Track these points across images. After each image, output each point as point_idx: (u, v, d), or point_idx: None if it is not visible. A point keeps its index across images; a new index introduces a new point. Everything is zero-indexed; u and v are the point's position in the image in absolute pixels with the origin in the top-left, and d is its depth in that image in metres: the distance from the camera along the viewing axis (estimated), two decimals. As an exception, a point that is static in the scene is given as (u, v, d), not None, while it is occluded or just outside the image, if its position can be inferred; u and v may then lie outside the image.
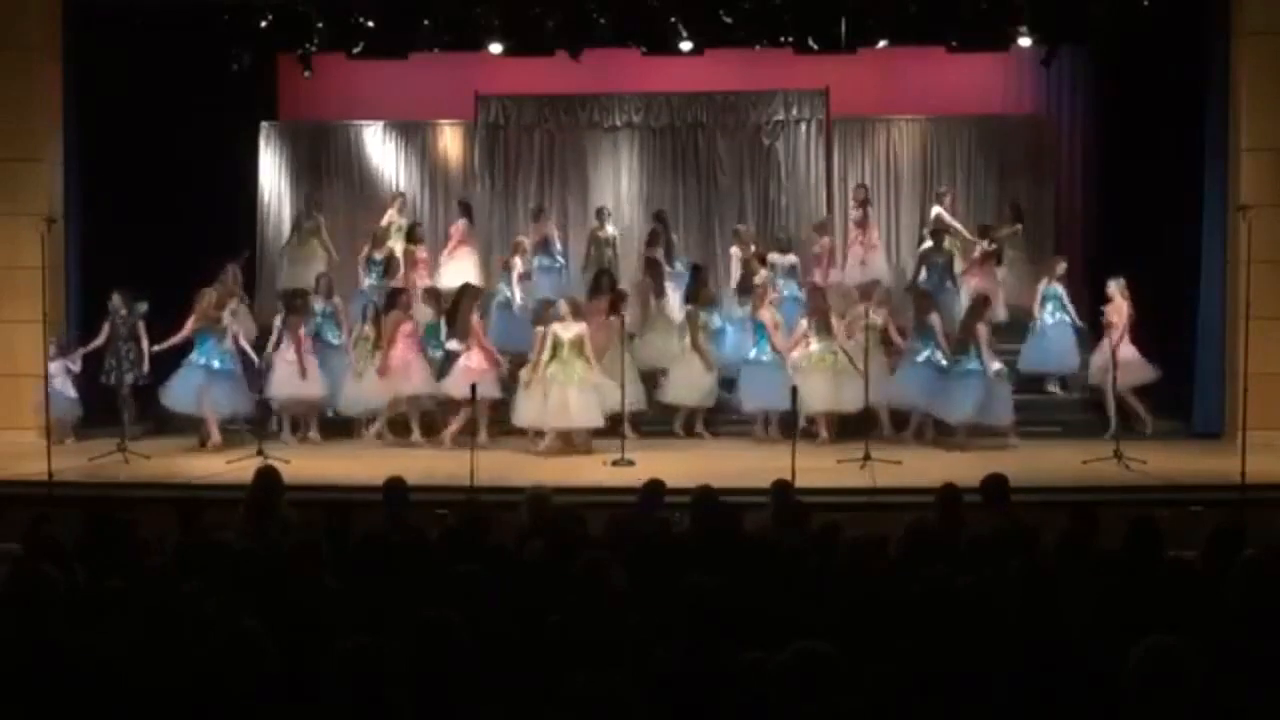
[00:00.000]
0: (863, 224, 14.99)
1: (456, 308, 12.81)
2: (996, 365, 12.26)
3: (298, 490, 9.62)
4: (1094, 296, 13.81)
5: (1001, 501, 7.46)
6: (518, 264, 14.35)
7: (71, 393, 12.88)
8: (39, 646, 4.21)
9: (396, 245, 14.76)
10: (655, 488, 7.63)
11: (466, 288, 13.16)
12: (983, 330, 12.37)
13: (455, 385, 12.33)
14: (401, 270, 14.26)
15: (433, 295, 13.49)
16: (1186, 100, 13.13)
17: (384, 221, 15.12)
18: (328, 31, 14.20)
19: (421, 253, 14.65)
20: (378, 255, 14.52)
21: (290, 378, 12.76)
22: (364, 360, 12.83)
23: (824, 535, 6.30)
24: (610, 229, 14.97)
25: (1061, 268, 13.54)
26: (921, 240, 14.91)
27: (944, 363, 12.38)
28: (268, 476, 7.79)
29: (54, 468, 10.61)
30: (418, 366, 12.75)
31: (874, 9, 13.78)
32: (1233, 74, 12.54)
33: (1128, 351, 12.41)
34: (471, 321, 12.59)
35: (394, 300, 12.96)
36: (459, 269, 14.79)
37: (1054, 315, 13.34)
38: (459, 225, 15.20)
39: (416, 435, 12.85)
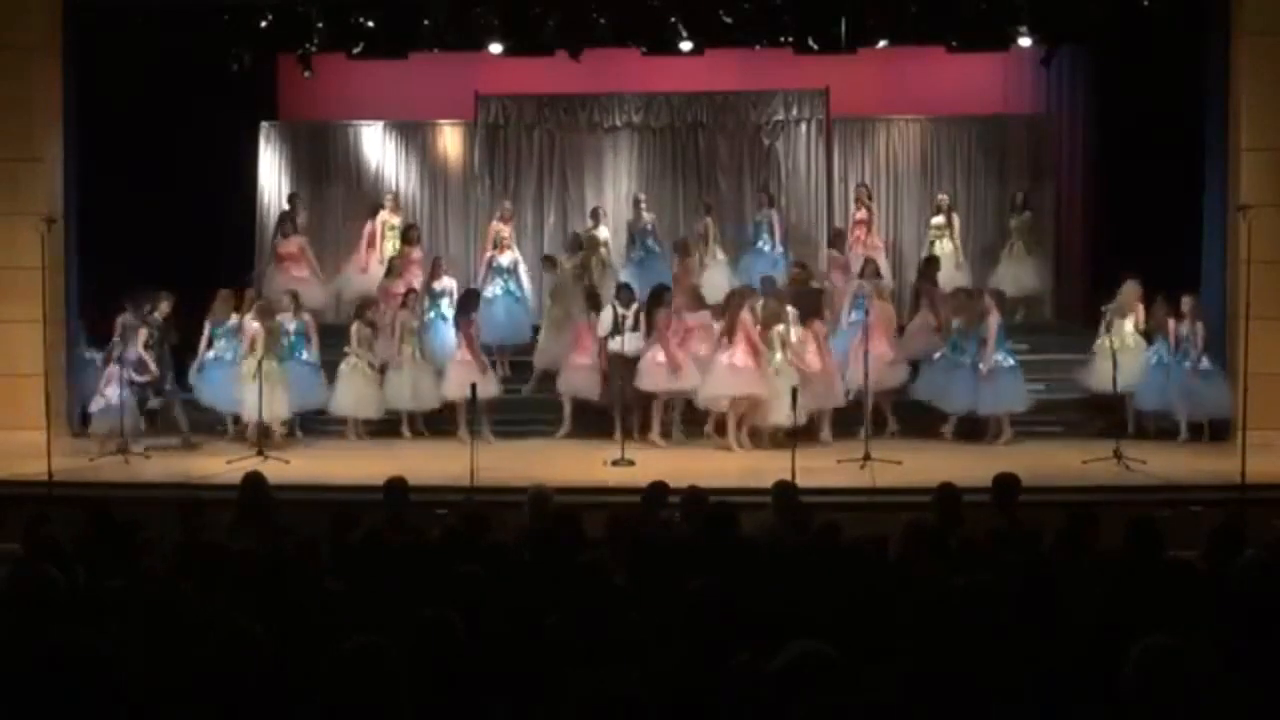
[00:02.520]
0: (865, 223, 14.99)
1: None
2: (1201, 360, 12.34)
3: (298, 490, 9.70)
4: (1093, 298, 13.79)
5: (1010, 501, 7.46)
6: (506, 259, 14.35)
7: (115, 400, 11.94)
8: (39, 647, 4.20)
9: (390, 247, 14.76)
10: (659, 489, 7.65)
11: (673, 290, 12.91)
12: (1173, 325, 12.45)
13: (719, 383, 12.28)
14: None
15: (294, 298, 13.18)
16: (1186, 100, 13.14)
17: (377, 222, 15.06)
18: (328, 31, 14.17)
19: (416, 253, 14.59)
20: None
21: (471, 376, 12.14)
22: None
23: (824, 535, 6.30)
24: (604, 230, 14.92)
25: (1189, 304, 12.47)
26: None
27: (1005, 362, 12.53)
28: (254, 480, 7.81)
29: (54, 468, 10.62)
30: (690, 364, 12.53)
31: (874, 9, 13.76)
32: (1232, 74, 12.52)
33: (879, 352, 12.45)
34: (742, 319, 12.22)
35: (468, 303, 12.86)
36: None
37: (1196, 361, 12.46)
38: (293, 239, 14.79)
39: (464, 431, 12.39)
